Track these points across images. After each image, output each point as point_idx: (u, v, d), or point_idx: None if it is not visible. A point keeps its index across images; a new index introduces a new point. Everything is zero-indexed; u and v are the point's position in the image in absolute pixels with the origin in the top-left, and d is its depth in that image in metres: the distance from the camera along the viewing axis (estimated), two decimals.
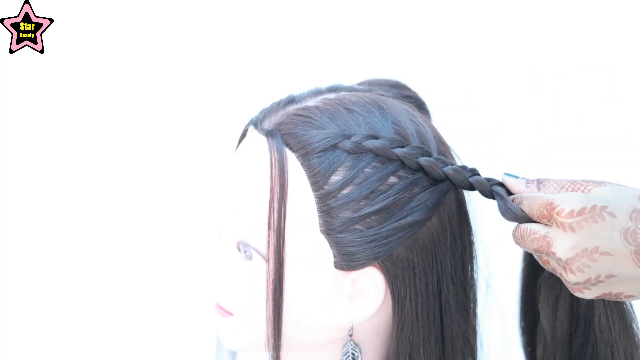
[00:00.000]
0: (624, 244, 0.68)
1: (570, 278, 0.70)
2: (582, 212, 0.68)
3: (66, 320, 1.72)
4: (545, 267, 0.73)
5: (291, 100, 0.81)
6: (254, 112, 0.82)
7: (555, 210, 0.69)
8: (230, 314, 0.80)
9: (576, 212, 0.68)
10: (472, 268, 0.83)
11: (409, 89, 0.87)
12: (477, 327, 0.85)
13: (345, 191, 0.74)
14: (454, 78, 1.60)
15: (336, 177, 0.75)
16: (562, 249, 0.69)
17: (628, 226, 0.68)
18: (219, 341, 0.92)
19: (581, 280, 0.69)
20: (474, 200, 0.83)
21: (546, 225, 0.71)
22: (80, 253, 1.72)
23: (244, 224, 0.77)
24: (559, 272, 0.71)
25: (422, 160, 0.75)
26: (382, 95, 0.83)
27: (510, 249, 0.85)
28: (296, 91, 0.82)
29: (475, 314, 0.84)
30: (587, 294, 0.71)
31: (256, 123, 0.80)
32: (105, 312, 1.72)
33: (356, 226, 0.75)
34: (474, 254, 0.83)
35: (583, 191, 0.71)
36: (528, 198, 0.73)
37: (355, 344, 0.79)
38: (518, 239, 0.74)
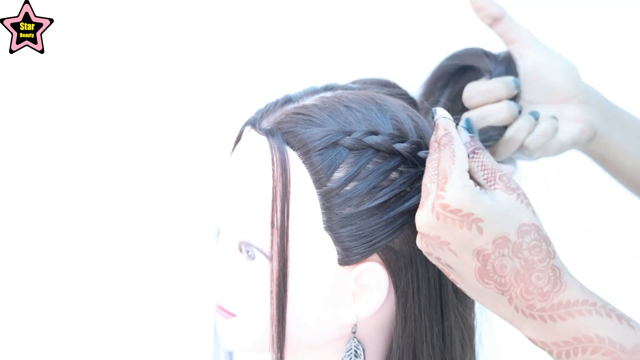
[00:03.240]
0: (473, 257, 0.69)
1: (418, 243, 0.72)
2: (454, 212, 0.69)
3: (66, 321, 1.72)
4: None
5: (288, 100, 0.81)
6: (248, 114, 0.82)
7: (439, 189, 0.69)
8: (233, 315, 0.80)
9: (449, 209, 0.68)
10: None
11: (399, 88, 0.87)
12: (475, 320, 0.85)
13: (348, 188, 0.75)
14: None
15: (339, 174, 0.75)
16: (422, 221, 0.70)
17: (486, 248, 0.69)
18: (217, 341, 0.92)
19: (425, 251, 0.72)
20: None
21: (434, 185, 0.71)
22: (79, 254, 1.72)
23: (246, 224, 0.77)
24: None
25: (423, 154, 0.76)
26: (377, 92, 0.83)
27: None
28: (291, 91, 0.82)
29: (473, 306, 0.85)
30: (422, 246, 0.72)
31: (254, 123, 0.80)
32: (104, 312, 1.72)
33: (358, 221, 0.75)
34: None
35: (491, 186, 0.71)
36: (451, 151, 0.72)
37: (359, 341, 0.79)
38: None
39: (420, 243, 0.72)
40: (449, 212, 0.69)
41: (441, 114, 0.75)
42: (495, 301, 0.71)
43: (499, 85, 0.86)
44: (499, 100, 0.86)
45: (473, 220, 0.69)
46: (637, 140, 0.94)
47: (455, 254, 0.70)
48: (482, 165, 0.72)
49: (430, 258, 0.73)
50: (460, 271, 0.71)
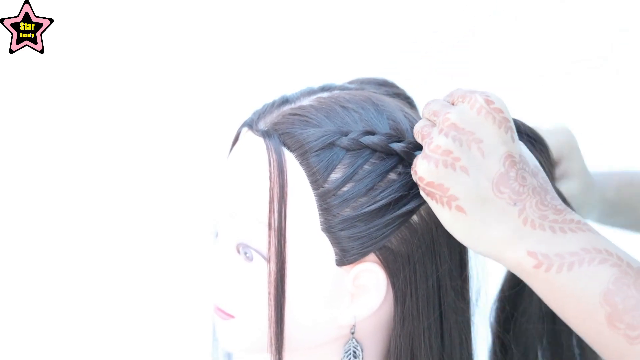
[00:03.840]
0: (499, 161, 0.68)
1: (438, 139, 0.69)
2: (497, 110, 0.69)
3: (66, 321, 1.72)
4: (416, 132, 0.74)
5: (285, 101, 0.80)
6: (245, 114, 0.82)
7: (480, 93, 0.69)
8: (232, 316, 0.80)
9: (494, 105, 0.69)
10: (467, 259, 0.83)
11: (397, 87, 0.87)
12: (473, 319, 0.85)
13: (345, 188, 0.75)
14: (441, 76, 1.61)
15: (336, 175, 0.75)
16: (457, 114, 0.69)
17: (514, 156, 0.69)
18: (215, 342, 0.92)
19: (443, 147, 0.69)
20: None
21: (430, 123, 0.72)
22: (79, 255, 1.72)
23: (243, 225, 0.77)
24: (431, 135, 0.71)
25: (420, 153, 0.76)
26: (374, 92, 0.83)
27: None
28: (287, 92, 0.82)
29: (470, 306, 0.85)
30: (430, 167, 0.69)
31: (251, 124, 0.79)
32: (103, 313, 1.72)
33: (356, 222, 0.75)
34: None
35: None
36: (435, 100, 0.73)
37: (357, 342, 0.79)
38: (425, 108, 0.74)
39: (443, 139, 0.69)
40: (492, 109, 0.69)
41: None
42: (498, 214, 0.69)
43: None
44: None
45: (510, 126, 0.69)
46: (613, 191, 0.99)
47: (483, 154, 0.68)
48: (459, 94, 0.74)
49: (440, 169, 0.69)
50: (478, 175, 0.69)
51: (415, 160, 0.72)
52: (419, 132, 0.73)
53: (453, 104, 0.72)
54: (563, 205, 0.70)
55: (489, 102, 0.69)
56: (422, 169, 0.70)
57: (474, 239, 0.70)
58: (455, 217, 0.70)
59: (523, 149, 0.72)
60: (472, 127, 0.69)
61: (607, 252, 0.67)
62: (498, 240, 0.69)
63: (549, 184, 0.71)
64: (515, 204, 0.68)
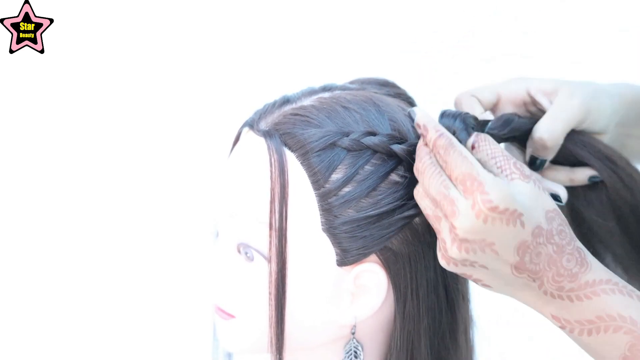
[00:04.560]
0: (514, 253, 0.70)
1: (452, 252, 0.70)
2: (503, 212, 0.68)
3: (66, 321, 1.72)
4: (424, 212, 0.73)
5: (286, 101, 0.80)
6: (246, 114, 0.82)
7: (480, 193, 0.68)
8: (232, 316, 0.80)
9: (499, 210, 0.68)
10: None
11: (398, 87, 0.87)
12: (472, 318, 0.85)
13: (346, 189, 0.75)
14: (441, 76, 1.61)
15: (337, 176, 0.75)
16: (464, 227, 0.69)
17: (527, 240, 0.70)
18: (216, 342, 0.92)
19: (459, 258, 0.71)
20: None
21: (455, 190, 0.70)
22: (79, 255, 1.72)
23: (244, 225, 0.77)
24: (443, 237, 0.71)
25: None
26: (375, 93, 0.83)
27: None
28: (288, 92, 0.82)
29: (470, 305, 0.85)
30: (450, 267, 0.72)
31: (252, 124, 0.79)
32: (103, 313, 1.72)
33: (357, 223, 0.75)
34: None
35: (507, 176, 0.71)
36: (459, 152, 0.71)
37: (358, 342, 0.79)
38: (420, 173, 0.73)
39: (456, 252, 0.70)
40: (498, 213, 0.69)
41: (422, 114, 0.75)
42: (522, 287, 0.72)
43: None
44: None
45: (517, 215, 0.69)
46: None
47: (497, 253, 0.70)
48: (491, 155, 0.73)
49: (460, 269, 0.72)
50: (496, 269, 0.71)
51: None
52: (428, 217, 0.73)
53: (450, 177, 0.71)
54: (578, 265, 0.71)
55: (492, 208, 0.68)
56: (446, 266, 0.73)
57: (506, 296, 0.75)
58: (483, 288, 0.75)
59: (533, 212, 0.70)
60: (481, 235, 0.69)
61: (620, 316, 0.70)
62: (526, 302, 0.74)
63: (565, 223, 0.72)
64: (534, 280, 0.71)
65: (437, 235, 0.73)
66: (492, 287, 0.73)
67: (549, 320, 0.74)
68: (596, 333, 0.71)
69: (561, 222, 0.71)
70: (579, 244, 0.72)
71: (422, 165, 0.73)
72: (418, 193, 0.74)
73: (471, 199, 0.69)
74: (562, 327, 0.73)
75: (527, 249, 0.70)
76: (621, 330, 0.70)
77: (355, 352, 0.79)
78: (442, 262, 0.73)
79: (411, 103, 0.86)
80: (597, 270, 0.72)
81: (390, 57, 1.64)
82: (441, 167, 0.72)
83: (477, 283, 0.74)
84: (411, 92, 0.89)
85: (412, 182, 0.76)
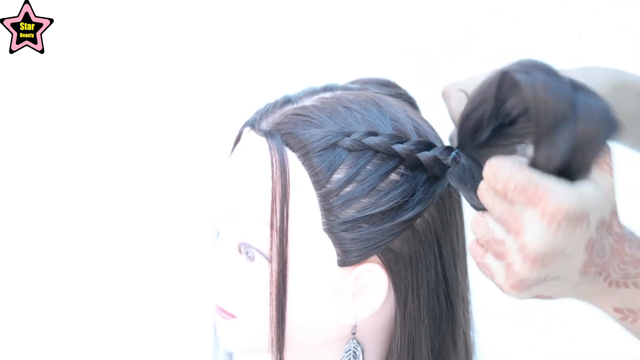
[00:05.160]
0: (584, 252, 0.66)
1: (524, 272, 0.65)
2: (574, 215, 0.63)
3: (66, 321, 1.72)
4: (475, 250, 0.69)
5: (287, 101, 0.80)
6: (247, 114, 0.82)
7: (548, 198, 0.63)
8: (233, 316, 0.80)
9: (570, 214, 0.63)
10: (466, 260, 0.83)
11: (399, 87, 0.87)
12: (472, 318, 0.85)
13: (347, 189, 0.74)
14: (441, 76, 1.61)
15: (338, 176, 0.75)
16: (536, 240, 0.64)
17: (593, 236, 0.66)
18: (216, 342, 0.92)
19: (533, 278, 0.66)
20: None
21: (519, 205, 0.65)
22: (79, 255, 1.72)
23: (245, 225, 0.77)
24: (510, 260, 0.66)
25: (422, 155, 0.75)
26: (376, 93, 0.83)
27: None
28: (289, 92, 0.82)
29: (470, 305, 0.85)
30: (524, 294, 0.67)
31: (253, 124, 0.79)
32: (104, 313, 1.72)
33: (358, 223, 0.75)
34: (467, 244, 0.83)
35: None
36: (511, 166, 0.65)
37: (358, 342, 0.79)
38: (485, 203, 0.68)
39: (528, 271, 0.65)
40: (569, 217, 0.63)
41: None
42: (587, 285, 0.69)
43: None
44: None
45: (584, 215, 0.64)
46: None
47: (569, 257, 0.66)
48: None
49: (534, 290, 0.67)
50: (566, 275, 0.67)
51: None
52: (488, 243, 0.68)
53: (507, 198, 0.65)
54: (639, 251, 0.69)
55: (564, 213, 0.63)
56: (519, 295, 0.68)
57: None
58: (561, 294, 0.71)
59: (599, 209, 0.66)
60: (554, 245, 0.64)
61: None
62: (586, 298, 0.71)
63: (617, 216, 0.68)
64: (600, 274, 0.69)
65: (501, 262, 0.67)
66: (556, 297, 0.70)
67: (608, 315, 0.71)
68: None
69: (615, 211, 0.68)
70: (630, 228, 0.70)
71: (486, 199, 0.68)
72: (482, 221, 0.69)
73: (539, 208, 0.64)
74: (624, 319, 0.70)
75: (593, 245, 0.67)
76: None
77: (355, 352, 0.79)
78: (513, 292, 0.67)
79: (412, 103, 0.86)
80: None
81: (390, 57, 1.64)
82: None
83: (541, 298, 0.70)
84: (411, 92, 0.89)
85: (413, 181, 0.76)
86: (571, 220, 0.64)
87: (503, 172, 0.65)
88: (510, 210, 0.65)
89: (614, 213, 0.68)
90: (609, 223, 0.67)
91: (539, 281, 0.66)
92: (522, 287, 0.67)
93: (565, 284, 0.68)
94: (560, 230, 0.64)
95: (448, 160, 0.74)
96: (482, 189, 0.68)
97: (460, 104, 0.81)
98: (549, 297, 0.70)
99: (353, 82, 0.86)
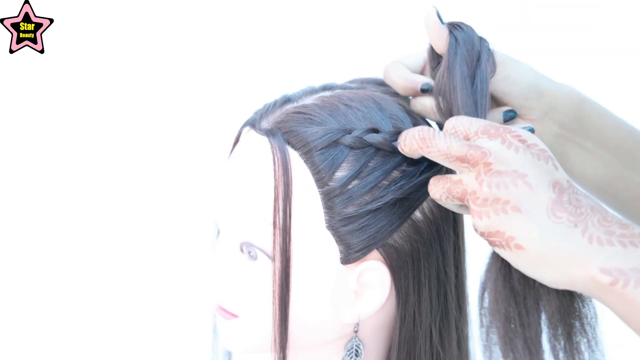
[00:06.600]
0: (549, 188, 0.67)
1: (483, 192, 0.67)
2: (532, 146, 0.69)
3: (66, 321, 1.72)
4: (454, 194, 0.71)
5: (287, 100, 0.80)
6: (246, 114, 0.82)
7: (509, 132, 0.69)
8: (235, 316, 0.80)
9: (528, 143, 0.68)
10: (465, 258, 0.83)
11: None
12: (470, 316, 0.85)
13: (350, 186, 0.75)
14: None
15: (340, 173, 0.75)
16: (496, 158, 0.68)
17: (562, 182, 0.67)
18: (215, 342, 0.92)
19: (491, 198, 0.67)
20: None
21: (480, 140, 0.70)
22: (80, 254, 1.72)
23: (247, 224, 0.77)
24: (472, 188, 0.69)
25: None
26: (375, 91, 0.83)
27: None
28: (287, 92, 0.82)
29: (468, 303, 0.85)
30: (483, 222, 0.68)
31: (253, 124, 0.79)
32: (103, 313, 1.72)
33: (360, 220, 0.75)
34: (465, 243, 0.84)
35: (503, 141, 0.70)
36: (469, 118, 0.72)
37: (360, 340, 0.79)
38: (434, 142, 0.71)
39: (487, 190, 0.67)
40: (528, 146, 0.68)
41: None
42: (560, 240, 0.66)
43: (407, 80, 0.83)
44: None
45: (548, 156, 0.69)
46: (598, 150, 0.89)
47: (531, 187, 0.66)
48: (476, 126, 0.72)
49: (492, 222, 0.68)
50: (530, 208, 0.66)
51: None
52: (449, 192, 0.71)
53: (469, 139, 0.71)
54: (627, 221, 0.67)
55: (522, 140, 0.69)
56: (479, 225, 0.69)
57: (539, 270, 0.68)
58: (517, 255, 0.68)
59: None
60: (513, 166, 0.67)
61: None
62: (565, 264, 0.66)
63: (604, 207, 0.68)
64: (576, 225, 0.66)
65: (468, 200, 0.69)
66: (525, 248, 0.67)
67: (592, 280, 0.65)
68: None
69: (598, 201, 0.68)
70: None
71: (435, 134, 0.71)
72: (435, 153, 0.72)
73: (499, 138, 0.69)
74: (614, 284, 0.64)
75: (563, 191, 0.67)
76: None
77: (357, 350, 0.79)
78: (477, 220, 0.69)
79: (409, 102, 0.87)
80: None
81: (390, 57, 1.64)
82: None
83: (510, 247, 0.67)
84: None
85: (413, 175, 0.76)
86: (530, 150, 0.68)
87: (462, 123, 0.72)
88: (470, 145, 0.69)
89: (570, 185, 0.68)
90: (582, 191, 0.68)
91: (497, 209, 0.67)
92: (482, 214, 0.68)
93: (533, 223, 0.66)
94: (519, 153, 0.68)
95: None
96: (440, 136, 0.71)
97: (397, 72, 0.83)
98: (519, 249, 0.67)
99: (351, 82, 0.87)
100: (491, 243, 0.70)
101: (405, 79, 0.82)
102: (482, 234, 0.70)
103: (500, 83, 0.83)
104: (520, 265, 0.68)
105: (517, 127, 0.71)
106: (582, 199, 0.67)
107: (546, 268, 0.67)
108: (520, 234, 0.67)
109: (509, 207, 0.67)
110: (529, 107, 0.84)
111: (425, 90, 0.82)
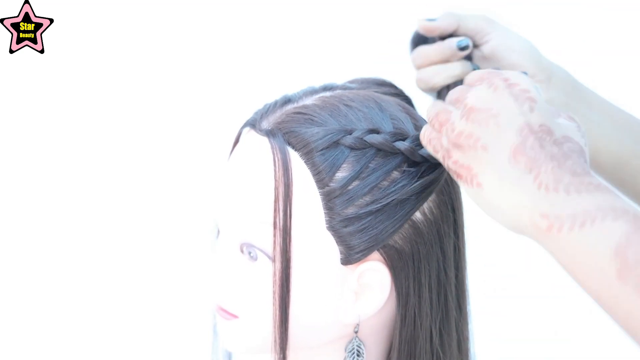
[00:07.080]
0: (515, 133, 0.68)
1: (459, 125, 0.70)
2: (514, 85, 0.70)
3: (66, 321, 1.72)
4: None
5: (287, 100, 0.80)
6: (246, 115, 0.82)
7: (498, 75, 0.71)
8: (235, 316, 0.80)
9: (510, 82, 0.70)
10: (464, 256, 0.83)
11: (395, 87, 0.87)
12: (470, 317, 0.85)
13: (350, 187, 0.75)
14: None
15: (341, 174, 0.75)
16: (475, 95, 0.70)
17: (532, 126, 0.68)
18: (215, 343, 0.92)
19: (465, 132, 0.69)
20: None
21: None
22: (80, 255, 1.72)
23: (247, 225, 0.77)
24: (452, 121, 0.71)
25: (424, 152, 0.76)
26: (375, 92, 0.83)
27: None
28: (287, 92, 0.82)
29: (468, 303, 0.85)
30: (454, 154, 0.70)
31: (253, 124, 0.79)
32: (103, 313, 1.72)
33: (361, 221, 0.75)
34: (466, 244, 0.84)
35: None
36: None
37: (360, 341, 0.79)
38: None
39: (463, 123, 0.70)
40: (509, 84, 0.70)
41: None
42: (514, 184, 0.67)
43: (442, 46, 0.91)
44: (446, 61, 0.91)
45: (529, 98, 0.69)
46: (605, 122, 0.93)
47: (499, 127, 0.68)
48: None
49: (465, 150, 0.70)
50: (495, 148, 0.68)
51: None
52: (436, 120, 0.73)
53: (472, 87, 0.73)
54: (585, 170, 0.67)
55: (505, 79, 0.70)
56: (451, 151, 0.71)
57: (494, 211, 0.70)
58: (476, 193, 0.70)
59: (558, 120, 0.70)
60: (488, 105, 0.69)
61: (624, 210, 0.63)
62: (514, 208, 0.68)
63: (579, 154, 0.68)
64: (530, 171, 0.67)
65: (445, 129, 0.72)
66: (483, 186, 0.69)
67: (534, 225, 0.66)
68: (591, 223, 0.63)
69: (573, 147, 0.68)
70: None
71: (451, 93, 0.75)
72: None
73: (487, 80, 0.71)
74: (549, 229, 0.65)
75: (529, 136, 0.68)
76: (622, 219, 0.63)
77: (358, 350, 0.79)
78: (446, 149, 0.72)
79: (409, 102, 0.87)
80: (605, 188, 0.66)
81: (390, 56, 1.64)
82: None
83: (472, 183, 0.69)
84: (410, 93, 0.89)
85: (414, 177, 0.76)
86: (510, 90, 0.70)
87: (452, 92, 0.74)
88: (464, 86, 0.73)
89: (564, 140, 0.68)
90: (557, 140, 0.68)
91: (469, 142, 0.69)
92: (457, 142, 0.70)
93: (493, 165, 0.68)
94: (497, 92, 0.70)
95: None
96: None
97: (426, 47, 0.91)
98: (478, 186, 0.69)
99: (351, 82, 0.87)
100: (458, 176, 0.71)
101: (439, 44, 0.89)
102: (454, 163, 0.71)
103: (499, 48, 0.90)
104: (479, 204, 0.71)
105: (512, 72, 0.72)
106: (547, 146, 0.68)
107: (499, 210, 0.69)
108: (482, 172, 0.69)
109: (479, 145, 0.69)
110: (532, 75, 0.88)
111: (463, 48, 0.90)
